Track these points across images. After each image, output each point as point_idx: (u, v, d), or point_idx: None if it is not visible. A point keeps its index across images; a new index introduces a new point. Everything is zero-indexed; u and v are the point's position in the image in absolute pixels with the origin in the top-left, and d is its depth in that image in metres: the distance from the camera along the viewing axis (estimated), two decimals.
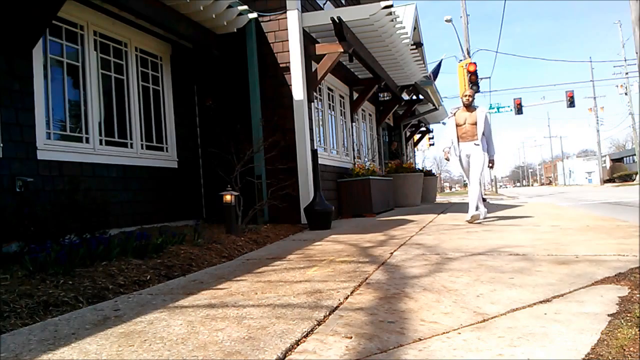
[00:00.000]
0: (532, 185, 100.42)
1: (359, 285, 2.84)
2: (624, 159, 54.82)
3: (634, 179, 37.43)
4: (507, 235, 4.92)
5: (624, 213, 8.76)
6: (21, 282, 2.94)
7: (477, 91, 14.87)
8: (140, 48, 6.47)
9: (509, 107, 30.62)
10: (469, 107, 6.67)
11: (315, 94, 8.19)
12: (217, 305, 2.53)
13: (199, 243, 4.52)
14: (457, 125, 6.66)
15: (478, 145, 6.49)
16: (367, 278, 3.05)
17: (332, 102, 9.88)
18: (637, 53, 8.21)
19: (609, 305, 2.20)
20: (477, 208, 6.59)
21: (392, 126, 16.15)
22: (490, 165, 6.70)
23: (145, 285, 3.28)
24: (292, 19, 7.19)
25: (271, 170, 6.93)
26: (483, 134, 6.49)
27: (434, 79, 16.31)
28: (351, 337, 1.91)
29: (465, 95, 6.75)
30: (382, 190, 9.64)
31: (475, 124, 6.52)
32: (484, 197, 17.88)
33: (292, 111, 7.14)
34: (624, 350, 1.67)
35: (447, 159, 6.88)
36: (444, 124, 17.80)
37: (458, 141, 6.65)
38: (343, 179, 8.91)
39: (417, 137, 21.38)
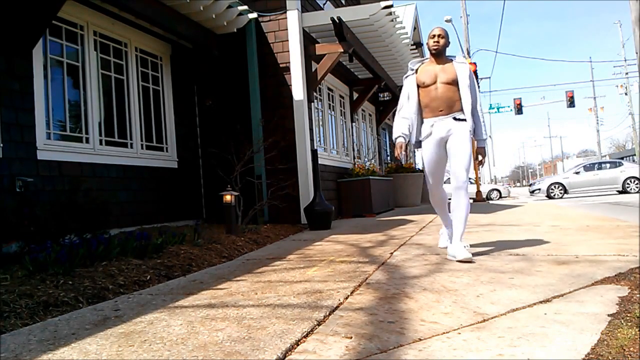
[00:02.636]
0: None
1: (359, 286, 2.84)
2: (624, 159, 54.83)
3: None
4: (507, 236, 4.92)
5: (624, 213, 8.76)
6: (21, 282, 2.94)
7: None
8: (140, 48, 6.47)
9: (509, 107, 30.65)
10: (440, 56, 3.78)
11: (315, 94, 8.19)
12: (217, 306, 2.53)
13: (199, 243, 4.52)
14: (421, 86, 3.77)
15: (463, 120, 3.69)
16: (367, 278, 3.05)
17: (332, 102, 9.88)
18: (637, 53, 8.21)
19: (609, 305, 2.20)
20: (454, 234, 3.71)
21: (392, 126, 16.15)
22: (480, 159, 3.87)
23: (145, 285, 3.28)
24: (292, 19, 7.19)
25: (271, 170, 6.92)
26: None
27: None
28: (351, 337, 1.91)
29: (433, 37, 3.76)
30: (382, 190, 9.64)
31: (454, 83, 3.68)
32: (484, 197, 17.68)
33: (292, 111, 7.15)
34: (624, 350, 1.67)
35: (398, 157, 4.26)
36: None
37: (420, 116, 3.81)
38: (343, 179, 8.91)
39: None
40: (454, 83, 3.68)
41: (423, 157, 3.89)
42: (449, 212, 3.86)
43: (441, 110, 3.71)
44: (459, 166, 3.65)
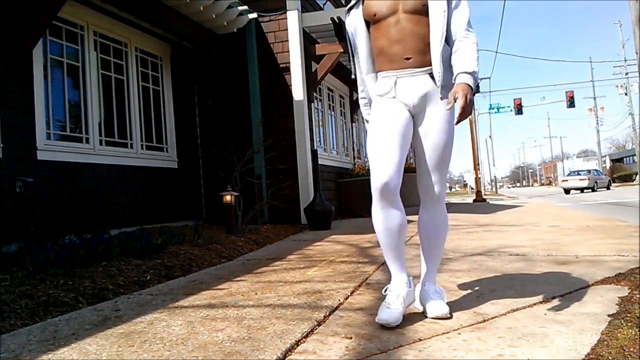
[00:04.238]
0: (532, 185, 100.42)
1: (359, 286, 2.85)
2: (624, 159, 54.80)
3: (634, 179, 37.45)
4: (507, 236, 4.92)
5: (624, 213, 8.76)
6: (21, 283, 2.94)
7: (478, 91, 14.74)
8: (140, 48, 6.47)
9: (509, 107, 30.71)
10: None
11: (315, 94, 8.19)
12: (217, 306, 2.53)
13: (199, 243, 4.52)
14: (375, 21, 2.20)
15: (438, 82, 2.10)
16: (367, 278, 3.06)
17: (332, 102, 9.88)
18: (637, 53, 8.21)
19: (608, 305, 2.20)
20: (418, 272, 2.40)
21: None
22: (457, 103, 1.97)
23: (145, 285, 3.28)
24: (292, 19, 7.19)
25: (271, 171, 6.93)
26: (446, 42, 2.12)
27: None
28: (351, 338, 1.91)
29: None
30: None
31: (423, 13, 2.11)
32: (484, 196, 16.95)
33: (292, 111, 7.15)
34: (624, 350, 1.67)
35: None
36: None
37: (373, 69, 2.27)
38: (343, 179, 8.91)
39: None
40: (426, 12, 2.13)
41: (370, 126, 2.26)
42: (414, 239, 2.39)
43: (408, 59, 2.15)
44: (434, 172, 2.22)
